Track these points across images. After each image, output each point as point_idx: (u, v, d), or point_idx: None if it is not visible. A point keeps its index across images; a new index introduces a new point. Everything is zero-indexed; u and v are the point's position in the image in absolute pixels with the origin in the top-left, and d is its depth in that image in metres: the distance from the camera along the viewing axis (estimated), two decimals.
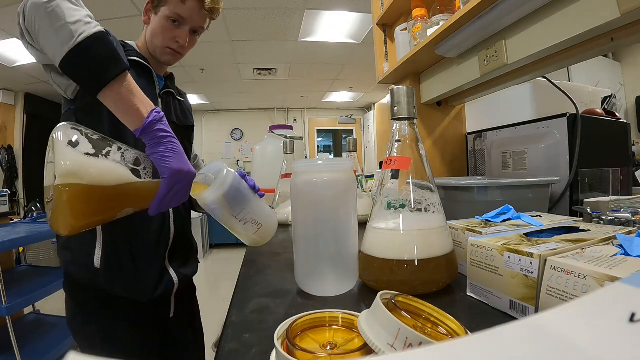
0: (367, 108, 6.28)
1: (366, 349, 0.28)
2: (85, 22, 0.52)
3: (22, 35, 0.58)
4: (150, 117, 0.54)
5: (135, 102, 0.54)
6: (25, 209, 3.98)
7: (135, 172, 0.53)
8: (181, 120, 0.89)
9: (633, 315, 0.11)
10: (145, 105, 0.55)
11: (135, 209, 0.55)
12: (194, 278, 0.92)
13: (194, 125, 0.96)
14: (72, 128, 0.50)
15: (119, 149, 0.53)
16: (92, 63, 0.52)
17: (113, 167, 0.50)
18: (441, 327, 0.31)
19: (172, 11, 0.76)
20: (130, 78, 0.55)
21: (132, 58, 0.74)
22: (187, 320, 0.93)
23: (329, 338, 0.33)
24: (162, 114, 0.56)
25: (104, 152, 0.50)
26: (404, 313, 0.29)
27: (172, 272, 0.80)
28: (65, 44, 0.51)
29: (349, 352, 0.29)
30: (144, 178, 0.54)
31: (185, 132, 0.90)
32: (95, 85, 0.53)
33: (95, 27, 0.53)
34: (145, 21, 0.81)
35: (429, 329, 0.30)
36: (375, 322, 0.28)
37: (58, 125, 0.50)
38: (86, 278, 0.72)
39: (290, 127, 2.07)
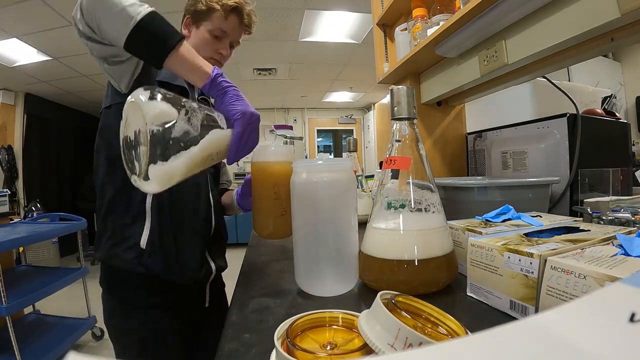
0: (367, 108, 6.28)
1: (366, 349, 0.28)
2: (139, 4, 0.58)
3: (80, 33, 0.64)
4: (215, 71, 0.60)
5: (198, 61, 0.60)
6: (25, 209, 3.98)
7: (217, 127, 0.56)
8: None
9: (633, 315, 0.11)
10: (207, 64, 0.61)
11: (215, 160, 0.58)
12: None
13: None
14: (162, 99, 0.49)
15: (200, 110, 0.54)
16: (154, 36, 0.58)
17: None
18: (441, 327, 0.31)
19: (215, 26, 0.82)
20: (187, 44, 0.60)
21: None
22: (220, 311, 0.96)
23: (329, 338, 0.33)
24: (221, 70, 0.62)
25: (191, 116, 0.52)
26: (404, 313, 0.29)
27: (210, 261, 0.84)
28: (127, 24, 0.56)
29: (349, 352, 0.29)
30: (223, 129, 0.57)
31: None
32: (162, 54, 0.58)
33: (148, 7, 0.59)
34: (185, 35, 0.86)
35: (429, 329, 0.30)
36: (375, 322, 0.28)
37: (140, 91, 0.49)
38: (129, 259, 0.73)
39: (290, 127, 2.07)
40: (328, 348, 0.31)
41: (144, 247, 0.73)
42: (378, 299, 0.29)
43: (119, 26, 0.57)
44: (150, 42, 0.58)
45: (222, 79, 0.60)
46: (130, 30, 0.56)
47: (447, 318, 0.31)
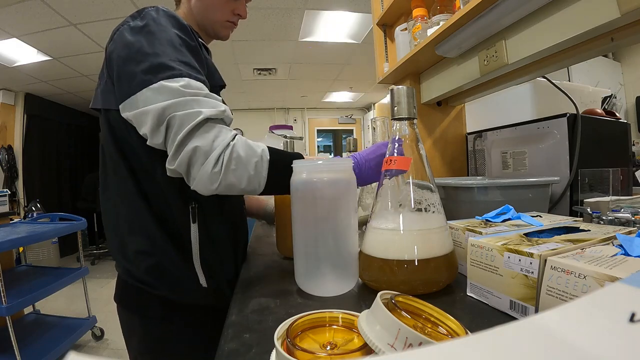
0: (367, 108, 6.28)
1: (366, 349, 0.28)
2: (256, 160, 0.55)
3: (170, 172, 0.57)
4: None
5: None
6: (25, 209, 3.98)
7: None
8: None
9: (633, 315, 0.11)
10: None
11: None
12: None
13: None
14: None
15: None
16: (284, 182, 0.54)
17: None
18: (441, 327, 0.31)
19: None
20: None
21: (200, 40, 0.69)
22: None
23: (329, 338, 0.33)
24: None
25: None
26: (404, 313, 0.29)
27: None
28: (259, 184, 0.56)
29: (349, 352, 0.29)
30: None
31: None
32: None
33: (264, 152, 0.57)
34: None
35: (429, 329, 0.30)
36: (375, 322, 0.28)
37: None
38: (190, 300, 0.66)
39: (290, 127, 2.07)
40: (328, 348, 0.31)
41: (207, 286, 0.66)
42: (378, 299, 0.29)
43: (252, 186, 0.56)
44: (283, 182, 0.55)
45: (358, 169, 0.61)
46: (263, 188, 0.56)
47: (447, 318, 0.31)
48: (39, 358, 1.70)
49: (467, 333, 0.29)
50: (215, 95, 0.57)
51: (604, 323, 0.11)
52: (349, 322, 0.34)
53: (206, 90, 0.56)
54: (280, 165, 0.57)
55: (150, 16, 0.59)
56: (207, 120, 0.53)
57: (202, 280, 0.65)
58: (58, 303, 2.53)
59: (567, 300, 0.34)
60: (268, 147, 0.58)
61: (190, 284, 0.65)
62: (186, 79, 0.54)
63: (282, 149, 0.89)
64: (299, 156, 0.60)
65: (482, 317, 0.41)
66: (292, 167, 0.53)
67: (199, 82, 0.56)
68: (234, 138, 0.55)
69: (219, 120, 0.55)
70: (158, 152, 0.59)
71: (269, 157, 0.56)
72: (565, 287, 0.34)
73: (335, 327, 0.35)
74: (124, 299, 0.69)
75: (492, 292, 0.43)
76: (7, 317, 1.58)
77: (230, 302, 0.50)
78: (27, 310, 2.20)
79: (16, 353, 1.61)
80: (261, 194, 0.58)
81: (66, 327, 2.08)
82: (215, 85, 0.67)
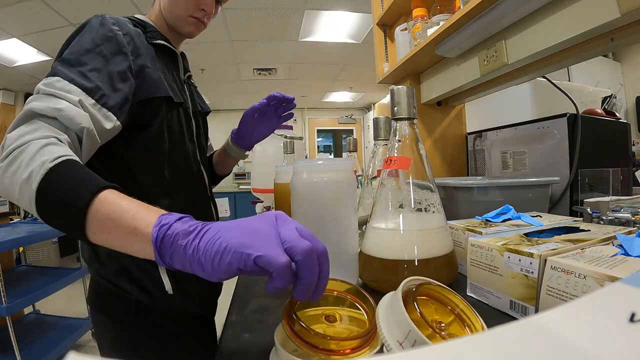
0: (367, 108, 6.28)
1: (365, 338, 0.29)
2: (42, 162, 0.40)
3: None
4: (160, 223, 0.34)
5: (129, 218, 0.36)
6: None
7: None
8: (202, 106, 0.83)
9: (633, 315, 0.11)
10: (145, 217, 0.35)
11: None
12: None
13: (210, 111, 0.89)
14: None
15: None
16: (58, 200, 0.39)
17: None
18: (459, 322, 0.31)
19: None
20: (115, 197, 0.38)
21: (158, 42, 0.67)
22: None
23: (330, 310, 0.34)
24: (172, 217, 0.35)
25: None
26: (418, 311, 0.29)
27: None
28: (30, 196, 0.41)
29: (349, 339, 0.29)
30: None
31: (205, 119, 0.87)
32: (75, 223, 0.39)
33: (57, 158, 0.41)
34: None
35: (446, 324, 0.30)
36: (391, 315, 0.28)
37: None
38: (158, 306, 0.64)
39: (290, 127, 2.07)
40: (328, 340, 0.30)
41: (173, 293, 0.63)
42: (399, 291, 0.29)
43: (24, 200, 0.42)
44: (56, 210, 0.40)
45: (175, 230, 0.33)
46: (37, 211, 0.41)
47: (470, 310, 0.31)
48: (39, 358, 1.70)
49: (483, 328, 0.29)
50: (69, 97, 0.49)
51: (604, 323, 0.11)
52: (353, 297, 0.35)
53: (67, 92, 0.49)
54: (60, 189, 0.39)
55: (85, 23, 0.59)
56: (34, 114, 0.46)
57: (168, 287, 0.62)
58: (58, 303, 2.53)
59: (567, 300, 0.34)
60: (67, 161, 0.41)
61: (157, 289, 0.62)
62: (53, 78, 0.50)
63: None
64: (82, 188, 0.38)
65: (482, 317, 0.41)
66: (75, 204, 0.37)
67: (71, 85, 0.50)
68: (45, 138, 0.44)
69: (50, 118, 0.47)
70: (105, 156, 0.58)
71: (46, 171, 0.39)
72: (565, 287, 0.34)
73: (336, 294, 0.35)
74: (97, 302, 0.67)
75: (492, 292, 0.43)
76: (7, 317, 1.58)
77: (230, 303, 0.50)
78: (27, 310, 2.20)
79: (16, 353, 1.61)
80: (47, 222, 0.43)
81: (66, 327, 2.07)
82: (157, 96, 0.62)
